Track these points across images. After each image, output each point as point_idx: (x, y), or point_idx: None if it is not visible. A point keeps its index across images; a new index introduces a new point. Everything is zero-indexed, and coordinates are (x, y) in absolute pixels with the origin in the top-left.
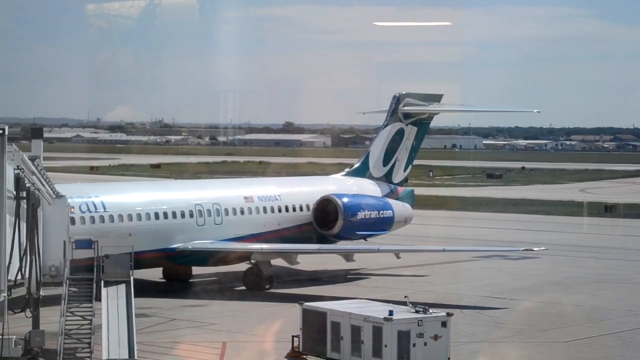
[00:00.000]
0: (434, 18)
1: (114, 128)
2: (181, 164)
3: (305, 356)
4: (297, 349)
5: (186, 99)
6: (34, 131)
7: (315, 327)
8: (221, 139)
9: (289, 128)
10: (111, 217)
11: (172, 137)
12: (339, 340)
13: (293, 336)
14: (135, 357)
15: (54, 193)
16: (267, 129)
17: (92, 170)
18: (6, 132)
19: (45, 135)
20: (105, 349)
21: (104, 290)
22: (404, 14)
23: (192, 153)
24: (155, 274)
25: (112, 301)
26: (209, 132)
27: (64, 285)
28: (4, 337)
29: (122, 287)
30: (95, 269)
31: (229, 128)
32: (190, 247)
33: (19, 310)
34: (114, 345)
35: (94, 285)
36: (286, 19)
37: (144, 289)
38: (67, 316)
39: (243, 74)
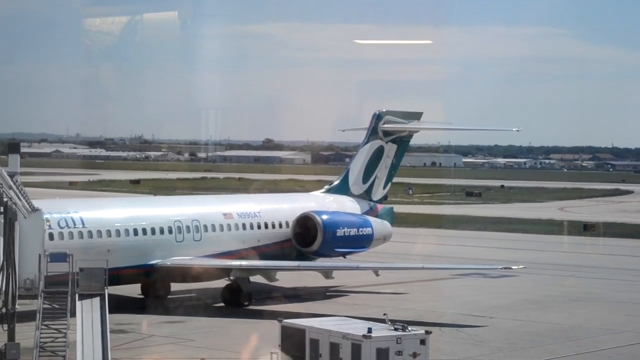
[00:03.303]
0: (415, 36)
1: (93, 144)
2: (161, 179)
3: None
4: None
5: (166, 115)
6: (11, 146)
7: (294, 344)
8: (201, 155)
9: (268, 145)
10: (90, 233)
11: (152, 153)
12: (317, 357)
13: (272, 353)
14: None
15: (29, 207)
16: (247, 146)
17: (71, 185)
18: None
19: (24, 150)
20: None
21: (78, 304)
22: (385, 32)
23: (172, 169)
24: (133, 290)
25: (87, 314)
26: (188, 148)
27: (39, 298)
28: None
29: (97, 300)
30: (70, 282)
31: (209, 144)
32: (169, 263)
33: None
34: (88, 359)
35: (69, 298)
36: (267, 36)
37: (122, 305)
38: (42, 329)
39: (223, 91)
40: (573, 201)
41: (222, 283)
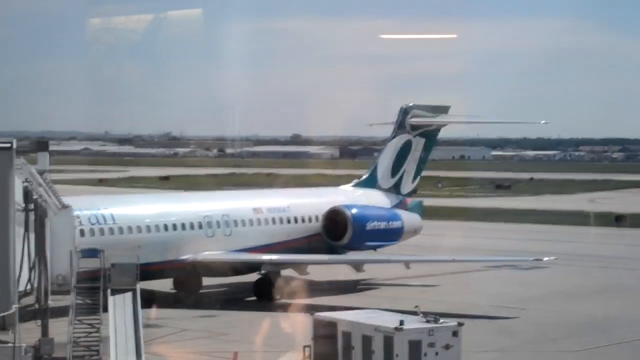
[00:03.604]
0: (439, 30)
1: (122, 141)
2: (190, 176)
3: None
4: (308, 359)
5: (194, 111)
6: (40, 144)
7: (326, 337)
8: (229, 151)
9: (296, 140)
10: (120, 229)
11: (180, 150)
12: (350, 350)
13: (304, 346)
14: None
15: (59, 204)
16: (275, 141)
17: (101, 182)
18: (14, 146)
19: (53, 148)
20: (113, 358)
21: (110, 299)
22: (409, 26)
23: (200, 165)
24: (165, 285)
25: (119, 310)
26: (216, 144)
27: (72, 293)
28: (15, 345)
29: (129, 295)
30: (102, 278)
31: (237, 140)
32: (200, 258)
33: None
34: (122, 353)
35: (101, 293)
36: (293, 32)
37: (154, 300)
38: (75, 325)
39: (250, 87)
40: (603, 192)
41: (253, 277)
